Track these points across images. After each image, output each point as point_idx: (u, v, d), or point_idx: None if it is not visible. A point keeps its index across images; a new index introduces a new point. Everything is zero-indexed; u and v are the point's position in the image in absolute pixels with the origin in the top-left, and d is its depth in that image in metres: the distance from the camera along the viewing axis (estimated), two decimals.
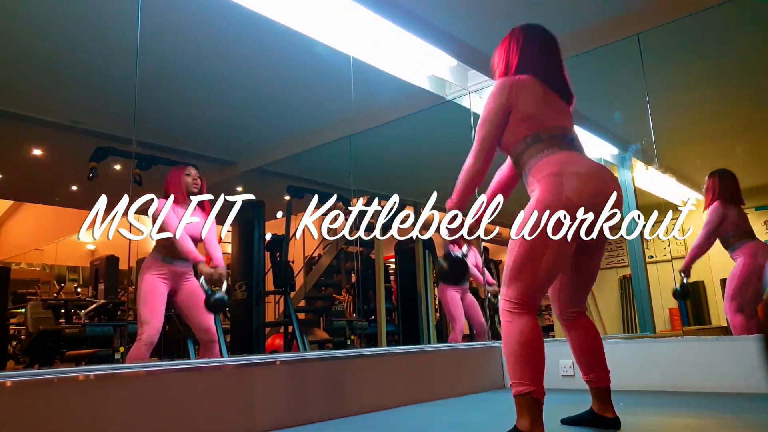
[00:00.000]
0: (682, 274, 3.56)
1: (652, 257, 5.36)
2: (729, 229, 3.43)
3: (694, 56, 3.91)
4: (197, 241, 3.27)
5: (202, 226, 3.28)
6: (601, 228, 1.79)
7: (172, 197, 3.11)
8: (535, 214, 1.73)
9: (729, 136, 5.05)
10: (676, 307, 5.25)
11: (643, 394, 2.90)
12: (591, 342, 2.01)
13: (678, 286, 3.60)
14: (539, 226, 1.71)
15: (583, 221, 1.72)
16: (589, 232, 1.75)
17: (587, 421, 2.01)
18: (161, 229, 3.06)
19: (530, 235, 1.73)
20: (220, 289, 3.10)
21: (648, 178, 5.13)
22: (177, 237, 3.08)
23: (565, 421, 2.08)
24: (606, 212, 1.76)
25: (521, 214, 1.79)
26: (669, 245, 5.38)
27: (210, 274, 3.09)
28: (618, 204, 1.80)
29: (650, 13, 3.35)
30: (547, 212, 1.71)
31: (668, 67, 4.01)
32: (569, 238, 1.71)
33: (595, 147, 5.10)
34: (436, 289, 7.25)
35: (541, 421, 1.67)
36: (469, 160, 1.93)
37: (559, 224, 1.70)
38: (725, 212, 3.44)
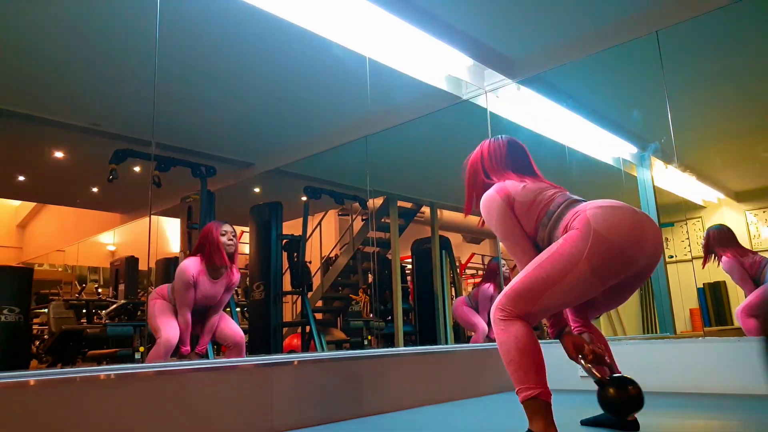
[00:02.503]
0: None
1: (672, 257, 5.29)
2: (749, 272, 3.57)
3: (714, 53, 3.86)
4: (213, 303, 3.36)
5: (223, 290, 3.34)
6: (643, 271, 1.75)
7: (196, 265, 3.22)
8: (570, 242, 1.67)
9: (749, 133, 4.97)
10: (696, 307, 5.18)
11: (663, 395, 2.86)
12: (603, 345, 2.00)
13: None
14: (565, 255, 1.66)
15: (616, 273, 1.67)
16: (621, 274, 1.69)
17: (606, 422, 1.99)
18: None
19: (555, 259, 1.67)
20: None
21: (668, 176, 5.08)
22: (180, 318, 3.21)
23: (585, 422, 2.06)
24: (646, 261, 1.71)
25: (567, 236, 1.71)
26: (689, 244, 5.32)
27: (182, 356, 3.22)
28: (656, 257, 1.74)
29: (669, 10, 3.32)
30: (582, 248, 1.64)
31: (687, 64, 3.96)
32: (597, 278, 1.65)
33: (614, 146, 5.06)
34: (453, 289, 7.24)
35: (553, 422, 1.66)
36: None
37: (584, 265, 1.63)
38: (740, 261, 3.57)
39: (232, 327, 3.39)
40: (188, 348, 3.21)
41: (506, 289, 1.76)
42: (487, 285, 4.88)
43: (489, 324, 4.76)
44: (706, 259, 3.72)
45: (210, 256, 3.25)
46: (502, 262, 4.81)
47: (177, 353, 3.16)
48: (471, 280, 9.03)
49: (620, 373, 1.89)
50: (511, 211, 1.86)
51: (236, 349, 3.35)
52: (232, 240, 3.31)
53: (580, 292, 1.69)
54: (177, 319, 3.21)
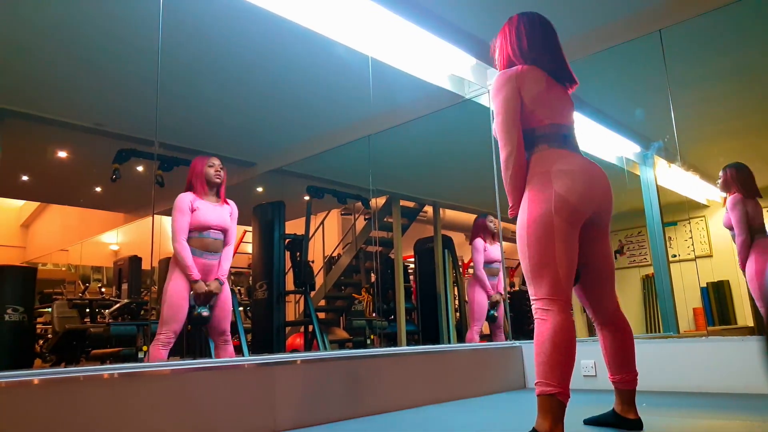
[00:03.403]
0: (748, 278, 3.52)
1: (675, 256, 5.29)
2: (751, 222, 3.43)
3: (717, 52, 3.85)
4: (224, 228, 3.32)
5: (229, 215, 3.33)
6: (599, 214, 1.88)
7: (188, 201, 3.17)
8: (528, 212, 1.80)
9: (753, 132, 4.96)
10: (700, 306, 5.17)
11: (667, 395, 2.86)
12: (624, 344, 1.99)
13: None
14: (538, 221, 1.77)
15: (576, 212, 1.79)
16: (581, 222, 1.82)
17: (609, 421, 1.99)
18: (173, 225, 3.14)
19: (532, 233, 1.78)
20: (205, 307, 3.19)
21: (671, 175, 5.06)
22: (175, 244, 3.15)
23: (588, 422, 2.06)
24: (594, 208, 1.84)
25: (521, 215, 1.84)
26: (693, 244, 5.31)
27: (198, 295, 3.16)
28: (607, 203, 1.90)
29: (672, 9, 3.31)
30: (541, 206, 1.78)
31: (690, 63, 3.96)
32: (568, 224, 1.77)
33: (617, 144, 5.05)
34: (455, 288, 7.24)
35: (562, 425, 1.65)
36: (502, 155, 1.90)
37: (553, 218, 1.76)
38: (745, 204, 3.45)
39: (226, 311, 3.33)
40: (197, 274, 3.13)
41: (528, 279, 1.82)
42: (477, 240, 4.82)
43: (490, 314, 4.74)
44: (725, 198, 3.57)
45: (199, 189, 3.25)
46: (490, 217, 4.77)
47: (193, 354, 3.12)
48: None
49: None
50: (517, 92, 1.90)
51: (223, 311, 3.30)
52: (218, 172, 3.31)
53: (566, 241, 1.77)
54: (185, 316, 3.15)
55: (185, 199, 3.21)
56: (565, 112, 1.97)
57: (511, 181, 1.87)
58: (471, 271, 5.00)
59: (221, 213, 3.31)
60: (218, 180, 3.32)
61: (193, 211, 3.20)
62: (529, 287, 1.82)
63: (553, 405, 1.64)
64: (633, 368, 1.97)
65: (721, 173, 3.61)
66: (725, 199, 3.56)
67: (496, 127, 1.94)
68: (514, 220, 1.91)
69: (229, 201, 3.42)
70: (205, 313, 3.17)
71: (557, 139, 1.89)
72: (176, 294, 3.13)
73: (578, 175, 1.82)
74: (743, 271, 3.49)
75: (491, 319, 4.75)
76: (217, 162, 3.35)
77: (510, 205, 1.92)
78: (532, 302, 1.81)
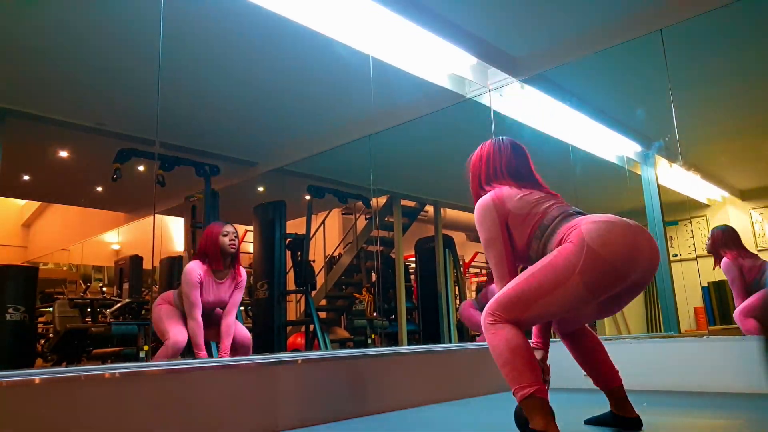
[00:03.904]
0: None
1: (676, 255, 5.28)
2: (747, 277, 3.55)
3: (718, 52, 3.85)
4: (222, 305, 3.34)
5: (231, 291, 3.33)
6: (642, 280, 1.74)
7: (198, 272, 3.21)
8: (556, 253, 1.69)
9: (754, 131, 4.95)
10: (701, 305, 5.17)
11: (668, 394, 2.86)
12: (592, 350, 1.99)
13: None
14: (557, 268, 1.66)
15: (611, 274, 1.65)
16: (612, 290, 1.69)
17: (609, 421, 1.99)
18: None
19: (543, 271, 1.68)
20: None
21: (672, 175, 5.06)
22: (190, 321, 3.18)
23: (588, 422, 2.06)
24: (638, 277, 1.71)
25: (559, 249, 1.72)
26: (694, 243, 5.30)
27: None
28: (653, 267, 1.73)
29: (673, 8, 3.30)
30: (575, 261, 1.64)
31: (691, 62, 3.95)
32: (588, 290, 1.64)
33: (618, 144, 5.04)
34: (456, 288, 7.24)
35: (552, 418, 1.66)
36: (498, 288, 1.84)
37: (574, 276, 1.63)
38: (740, 263, 3.55)
39: (240, 329, 3.37)
40: (206, 353, 3.16)
41: (498, 295, 1.76)
42: (494, 285, 4.86)
43: None
44: (715, 262, 3.71)
45: (212, 258, 3.24)
46: None
47: (194, 357, 3.14)
48: (474, 279, 9.04)
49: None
50: (502, 221, 1.85)
51: (243, 350, 3.34)
52: (233, 241, 3.28)
53: (570, 304, 1.69)
54: (185, 322, 3.18)
55: (195, 273, 3.20)
56: (554, 202, 1.89)
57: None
58: (472, 270, 5.01)
59: (220, 292, 3.30)
60: (232, 250, 3.28)
61: (200, 284, 3.22)
62: (493, 297, 1.76)
63: (537, 403, 1.65)
64: (611, 367, 1.97)
65: (708, 236, 3.77)
66: (715, 261, 3.71)
67: (487, 257, 1.90)
68: None
69: (241, 271, 3.39)
70: None
71: (571, 213, 1.82)
72: (170, 313, 3.22)
73: (618, 226, 1.68)
74: (737, 321, 3.54)
75: None
76: (231, 230, 3.31)
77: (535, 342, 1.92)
78: (486, 313, 1.74)
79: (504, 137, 2.10)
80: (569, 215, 1.80)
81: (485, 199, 1.91)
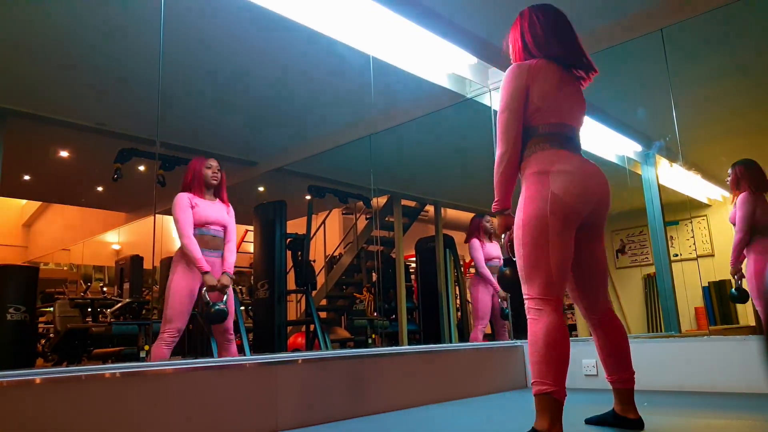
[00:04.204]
0: (735, 277, 3.48)
1: (677, 255, 5.28)
2: (753, 222, 3.38)
3: (718, 51, 3.84)
4: (223, 224, 3.32)
5: (226, 213, 3.34)
6: (596, 215, 1.88)
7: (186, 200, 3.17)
8: (524, 211, 1.82)
9: (755, 131, 4.95)
10: (701, 306, 5.16)
11: (668, 394, 2.86)
12: (618, 343, 1.98)
13: (733, 289, 3.51)
14: (533, 221, 1.78)
15: (572, 213, 1.80)
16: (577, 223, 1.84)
17: (610, 421, 1.99)
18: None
19: (527, 232, 1.79)
20: (221, 302, 3.12)
21: (672, 175, 5.06)
22: (184, 239, 3.14)
23: (589, 421, 2.06)
24: (591, 209, 1.85)
25: (517, 214, 1.85)
26: (694, 243, 5.30)
27: (212, 287, 3.12)
28: (604, 204, 1.91)
29: (674, 8, 3.30)
30: (537, 206, 1.79)
31: (692, 62, 3.95)
32: (563, 225, 1.78)
33: (619, 144, 5.04)
34: (457, 288, 7.23)
35: (560, 423, 1.66)
36: (497, 152, 1.91)
37: (548, 219, 1.77)
38: (754, 203, 3.38)
39: (231, 346, 3.33)
40: (206, 265, 3.10)
41: (524, 279, 1.82)
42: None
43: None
44: (734, 196, 3.49)
45: (196, 190, 3.25)
46: (487, 217, 4.78)
47: (195, 354, 3.10)
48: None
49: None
50: (524, 89, 1.89)
51: (224, 332, 3.29)
52: (216, 174, 3.31)
53: (560, 241, 1.78)
54: (190, 302, 3.13)
55: (184, 197, 3.22)
56: (573, 113, 1.95)
57: (501, 178, 1.89)
58: (472, 270, 5.00)
59: (219, 210, 3.31)
60: (215, 181, 3.32)
61: (192, 208, 3.21)
62: (522, 286, 1.84)
63: (550, 403, 1.65)
64: (629, 367, 1.97)
65: (730, 170, 3.55)
66: (734, 195, 3.49)
67: (497, 120, 1.94)
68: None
69: (228, 202, 3.42)
70: (223, 306, 3.12)
71: (560, 139, 1.89)
72: (181, 291, 3.13)
73: (576, 176, 1.82)
74: (732, 267, 3.46)
75: (506, 317, 4.74)
76: (214, 163, 3.34)
77: (495, 199, 1.94)
78: (525, 300, 1.82)
79: (546, 4, 2.07)
80: (554, 142, 1.88)
81: (522, 63, 1.95)
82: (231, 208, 3.43)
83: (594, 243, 1.96)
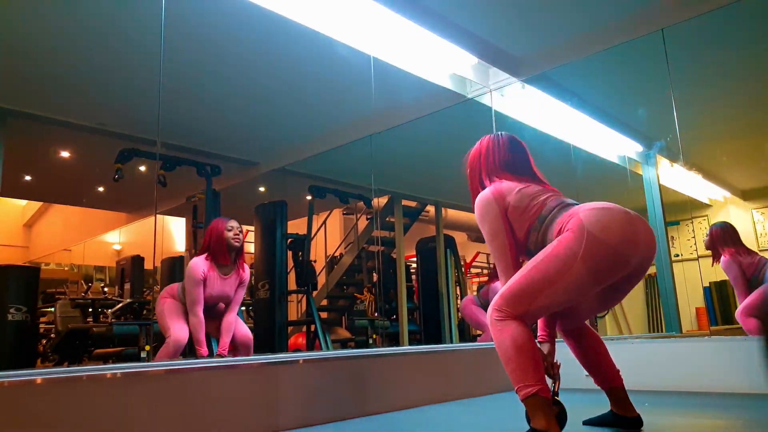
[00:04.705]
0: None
1: (678, 255, 5.28)
2: (747, 274, 3.57)
3: (719, 51, 3.84)
4: (226, 301, 3.34)
5: (236, 287, 3.34)
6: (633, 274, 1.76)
7: (202, 267, 3.22)
8: (566, 243, 1.68)
9: (756, 131, 4.95)
10: (702, 306, 5.16)
11: (669, 394, 2.86)
12: (594, 349, 2.00)
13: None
14: (567, 257, 1.66)
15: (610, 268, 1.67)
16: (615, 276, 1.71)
17: (609, 422, 1.99)
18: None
19: (551, 261, 1.69)
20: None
21: (673, 175, 5.06)
22: (191, 317, 3.18)
23: (587, 422, 2.06)
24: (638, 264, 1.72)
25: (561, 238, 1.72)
26: (695, 243, 5.29)
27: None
28: (650, 255, 1.75)
29: (675, 8, 3.30)
30: (576, 249, 1.65)
31: (693, 62, 3.95)
32: (591, 274, 1.65)
33: (620, 144, 5.04)
34: (458, 288, 7.23)
35: (554, 418, 1.67)
36: (502, 282, 1.85)
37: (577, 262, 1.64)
38: (739, 260, 3.56)
39: (241, 328, 3.38)
40: (206, 350, 3.16)
41: (502, 290, 1.77)
42: (497, 283, 4.85)
43: None
44: (714, 259, 3.72)
45: (217, 253, 3.25)
46: None
47: (195, 355, 3.14)
48: (476, 279, 9.03)
49: (558, 395, 1.91)
50: (503, 214, 1.86)
51: (244, 350, 3.35)
52: (237, 236, 3.30)
53: (575, 292, 1.69)
54: (188, 319, 3.19)
55: (198, 269, 3.21)
56: (552, 194, 1.90)
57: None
58: (472, 270, 5.00)
59: (224, 287, 3.31)
60: (237, 244, 3.31)
61: (204, 280, 3.22)
62: (498, 294, 1.77)
63: (539, 402, 1.66)
64: (612, 366, 1.98)
65: (707, 233, 3.79)
66: (714, 257, 3.72)
67: (490, 249, 1.90)
68: None
69: (244, 267, 3.41)
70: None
71: (568, 203, 1.84)
72: (172, 307, 3.23)
73: (624, 230, 1.67)
74: (739, 320, 3.53)
75: None
76: (235, 225, 3.34)
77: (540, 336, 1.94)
78: (491, 308, 1.75)
79: (503, 132, 2.11)
80: (567, 205, 1.82)
81: (485, 193, 1.92)
82: (247, 273, 3.42)
83: (619, 295, 1.90)
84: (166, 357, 3.06)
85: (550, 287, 1.68)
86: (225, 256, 3.26)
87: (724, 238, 3.66)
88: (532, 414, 1.67)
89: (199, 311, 3.15)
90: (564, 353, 2.03)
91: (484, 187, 1.97)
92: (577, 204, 1.83)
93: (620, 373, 1.98)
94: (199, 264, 3.20)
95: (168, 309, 3.22)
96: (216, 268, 3.25)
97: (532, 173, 2.02)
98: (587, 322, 2.07)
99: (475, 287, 8.62)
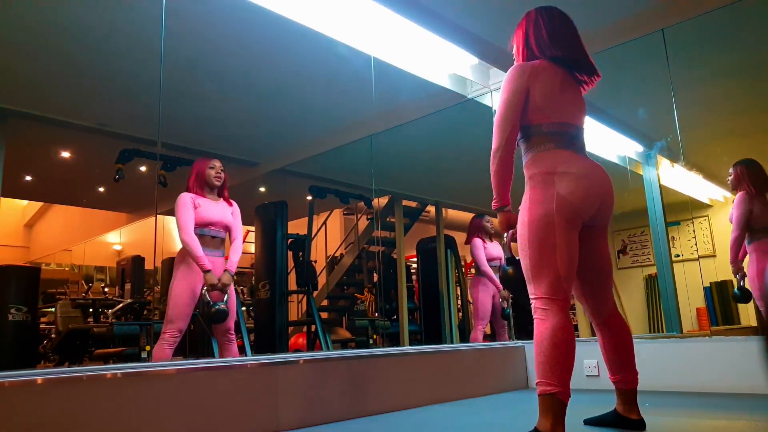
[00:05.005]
0: (737, 276, 3.48)
1: (678, 255, 5.27)
2: (751, 221, 3.38)
3: (720, 51, 3.84)
4: (227, 225, 3.32)
5: (230, 213, 3.34)
6: (600, 216, 1.89)
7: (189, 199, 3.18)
8: (528, 212, 1.82)
9: (756, 131, 4.94)
10: (703, 306, 5.16)
11: (670, 394, 2.85)
12: (624, 342, 1.99)
13: (736, 289, 3.51)
14: (539, 221, 1.79)
15: (577, 213, 1.81)
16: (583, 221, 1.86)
17: (611, 422, 1.99)
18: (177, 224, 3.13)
19: (533, 233, 1.80)
20: (221, 301, 3.10)
21: (674, 175, 5.05)
22: (184, 236, 3.13)
23: (588, 422, 2.06)
24: (595, 210, 1.86)
25: (521, 213, 1.85)
26: (696, 243, 5.29)
27: (213, 285, 3.09)
28: (608, 205, 1.91)
29: (675, 8, 3.30)
30: (543, 207, 1.80)
31: (693, 62, 3.95)
32: (569, 225, 1.79)
33: (620, 144, 5.04)
34: (458, 288, 7.23)
35: (563, 424, 1.65)
36: (492, 148, 1.92)
37: (554, 219, 1.78)
38: (751, 202, 3.39)
39: (232, 346, 3.33)
40: (207, 263, 3.09)
41: (528, 278, 1.83)
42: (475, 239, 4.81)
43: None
44: (735, 195, 3.49)
45: (199, 189, 3.25)
46: (487, 217, 4.78)
47: (195, 356, 3.10)
48: None
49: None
50: (524, 89, 1.90)
51: (225, 333, 3.29)
52: (219, 174, 3.31)
53: (566, 240, 1.78)
54: (192, 300, 3.13)
55: (186, 196, 3.22)
56: (576, 113, 1.97)
57: (496, 175, 1.90)
58: (473, 270, 5.00)
59: (222, 210, 3.31)
60: (218, 182, 3.32)
61: (195, 207, 3.20)
62: (528, 286, 1.83)
63: (554, 404, 1.65)
64: (633, 368, 1.97)
65: (731, 170, 3.54)
66: (735, 195, 3.50)
67: (496, 113, 1.95)
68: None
69: (231, 201, 3.43)
70: (223, 306, 3.10)
71: (564, 139, 1.89)
72: (183, 292, 3.13)
73: (581, 177, 1.83)
74: (732, 265, 3.46)
75: (507, 317, 4.73)
76: (218, 164, 3.34)
77: (494, 197, 1.94)
78: (531, 301, 1.82)
79: (551, 6, 2.08)
80: (558, 143, 1.88)
81: (525, 63, 1.97)
82: (236, 206, 3.42)
83: (598, 243, 1.97)
84: (160, 355, 3.02)
85: (553, 248, 1.78)
86: (204, 191, 3.26)
87: (751, 175, 3.41)
88: (543, 413, 1.66)
89: (191, 231, 3.11)
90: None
91: (534, 56, 1.99)
92: (572, 150, 1.90)
93: (638, 376, 1.97)
94: (185, 195, 3.21)
95: (179, 294, 3.12)
96: (204, 196, 3.26)
97: (584, 63, 2.03)
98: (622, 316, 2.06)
99: None
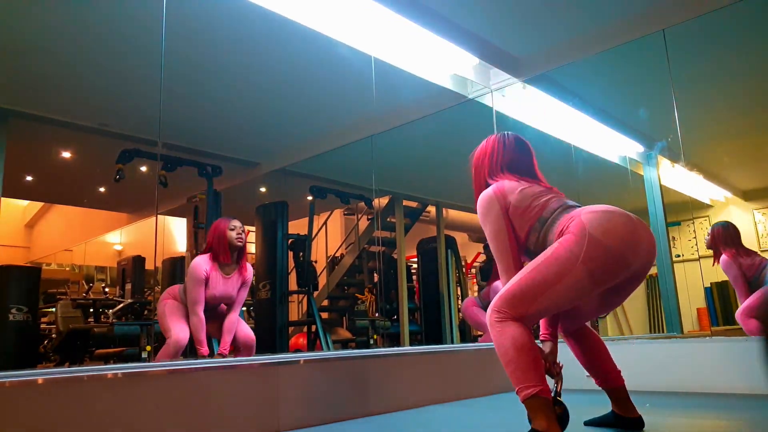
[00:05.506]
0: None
1: (679, 256, 5.27)
2: (746, 276, 3.56)
3: (721, 51, 3.84)
4: (229, 301, 3.34)
5: (238, 287, 3.35)
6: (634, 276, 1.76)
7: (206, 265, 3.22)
8: (565, 243, 1.70)
9: (757, 132, 4.94)
10: (704, 306, 5.15)
11: (670, 395, 2.85)
12: (593, 345, 2.01)
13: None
14: (558, 258, 1.69)
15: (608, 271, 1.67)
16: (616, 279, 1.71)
17: (610, 422, 1.99)
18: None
19: (551, 260, 1.70)
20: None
21: (674, 175, 5.05)
22: (192, 317, 3.18)
23: (588, 423, 2.06)
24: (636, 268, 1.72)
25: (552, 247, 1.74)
26: (696, 244, 5.29)
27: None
28: (651, 259, 1.75)
29: (676, 8, 3.30)
30: (577, 246, 1.67)
31: (694, 62, 3.95)
32: (592, 279, 1.66)
33: (621, 144, 5.04)
34: (458, 288, 7.23)
35: (555, 419, 1.67)
36: (503, 281, 1.85)
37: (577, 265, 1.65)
38: (736, 261, 3.56)
39: (243, 329, 3.38)
40: (207, 350, 3.17)
41: (502, 291, 1.77)
42: (497, 283, 4.85)
43: None
44: (715, 258, 3.70)
45: (220, 252, 3.25)
46: None
47: (195, 355, 3.15)
48: (477, 279, 9.03)
49: (561, 395, 1.91)
50: (504, 213, 1.87)
51: (246, 350, 3.35)
52: (240, 235, 3.31)
53: (574, 294, 1.70)
54: (188, 319, 3.19)
55: (201, 268, 3.22)
56: (554, 195, 1.91)
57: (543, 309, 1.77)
58: (473, 271, 5.00)
59: (227, 287, 3.32)
60: (239, 244, 3.32)
61: (206, 280, 3.23)
62: (498, 295, 1.77)
63: (540, 403, 1.66)
64: (614, 366, 1.98)
65: (708, 232, 3.77)
66: (715, 257, 3.70)
67: (492, 247, 1.91)
68: None
69: (247, 266, 3.42)
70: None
71: (570, 205, 1.85)
72: (171, 312, 3.23)
73: (626, 234, 1.69)
74: (739, 322, 3.52)
75: None
76: (238, 224, 3.35)
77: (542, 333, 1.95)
78: (491, 309, 1.75)
79: (509, 132, 2.12)
80: (568, 207, 1.83)
81: (488, 192, 1.92)
82: (250, 272, 3.43)
83: (619, 298, 1.90)
84: (166, 357, 3.07)
85: (550, 289, 1.68)
86: (227, 255, 3.27)
87: (725, 238, 3.65)
88: (533, 415, 1.67)
89: (200, 311, 3.16)
90: (565, 353, 2.03)
91: (487, 186, 1.98)
92: (579, 206, 1.83)
93: (621, 373, 1.98)
94: (201, 263, 3.21)
95: (169, 309, 3.23)
96: (218, 267, 3.26)
97: (535, 175, 2.02)
98: (588, 323, 2.07)
99: (476, 287, 8.62)
